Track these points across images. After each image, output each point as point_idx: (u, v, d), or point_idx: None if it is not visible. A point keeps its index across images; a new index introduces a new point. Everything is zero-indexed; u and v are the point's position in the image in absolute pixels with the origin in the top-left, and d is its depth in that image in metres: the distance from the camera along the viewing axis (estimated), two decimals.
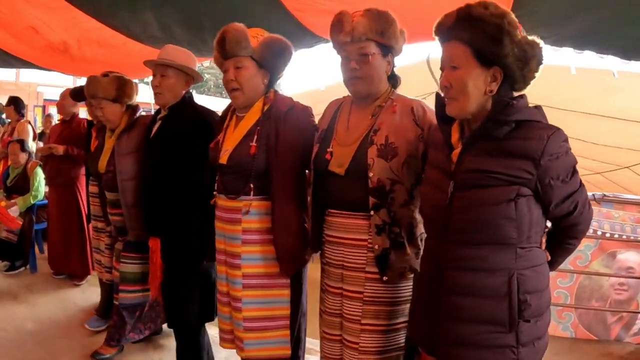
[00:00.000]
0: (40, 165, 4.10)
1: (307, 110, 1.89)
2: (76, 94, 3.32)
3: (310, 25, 3.31)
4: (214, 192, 1.92)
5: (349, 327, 1.64)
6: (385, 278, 1.59)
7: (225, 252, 1.86)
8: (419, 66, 4.77)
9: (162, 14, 3.28)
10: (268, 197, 1.80)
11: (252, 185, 1.79)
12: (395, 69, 1.71)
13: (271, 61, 1.85)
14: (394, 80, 1.72)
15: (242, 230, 1.80)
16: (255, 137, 1.80)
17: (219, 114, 2.09)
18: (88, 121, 3.24)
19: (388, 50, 1.64)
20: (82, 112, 3.91)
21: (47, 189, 4.11)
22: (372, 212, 1.57)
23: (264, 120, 1.82)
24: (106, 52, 3.96)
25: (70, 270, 3.90)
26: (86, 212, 3.89)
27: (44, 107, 8.96)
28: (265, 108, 1.85)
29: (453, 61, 1.27)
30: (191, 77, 2.33)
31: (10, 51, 4.04)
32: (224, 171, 1.84)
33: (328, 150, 1.68)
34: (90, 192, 3.12)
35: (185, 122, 2.20)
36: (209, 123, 2.13)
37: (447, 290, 1.28)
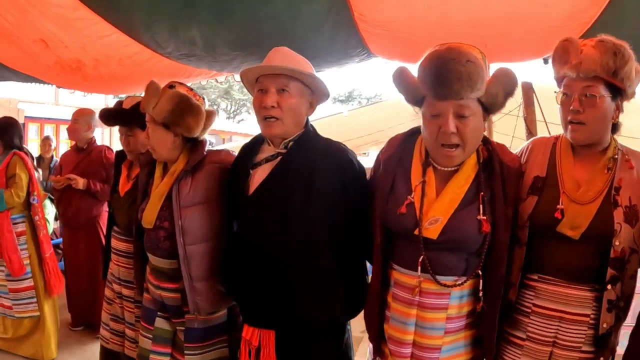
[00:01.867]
0: (50, 199, 3.49)
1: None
2: (111, 117, 2.41)
3: (376, 48, 3.10)
4: (394, 265, 1.51)
5: None
6: (602, 359, 1.41)
7: (414, 344, 1.47)
8: None
9: (211, 31, 2.82)
10: (477, 274, 1.44)
11: (468, 264, 1.44)
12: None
13: (503, 103, 1.42)
14: (615, 126, 1.47)
15: (447, 317, 1.44)
16: (481, 205, 1.41)
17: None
18: (117, 152, 2.59)
19: (618, 92, 1.39)
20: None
21: (55, 224, 3.53)
22: (608, 286, 1.36)
23: (484, 178, 1.44)
24: (126, 71, 3.42)
25: (98, 320, 3.36)
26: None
27: (23, 125, 7.96)
28: (481, 160, 1.46)
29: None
30: (316, 97, 1.65)
31: (9, 64, 3.39)
32: (429, 246, 1.41)
33: (558, 207, 1.40)
34: (114, 249, 2.41)
35: (329, 164, 1.58)
36: (363, 170, 1.65)
37: None
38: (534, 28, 2.72)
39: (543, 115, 3.76)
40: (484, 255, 1.41)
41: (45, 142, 5.27)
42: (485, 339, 1.47)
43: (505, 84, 1.37)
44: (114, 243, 2.42)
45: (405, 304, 1.45)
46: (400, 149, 1.54)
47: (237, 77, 3.46)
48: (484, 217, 1.39)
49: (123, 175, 2.43)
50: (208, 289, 1.82)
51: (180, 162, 1.90)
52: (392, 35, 2.93)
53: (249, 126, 17.45)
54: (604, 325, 1.37)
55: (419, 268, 1.40)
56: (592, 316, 1.39)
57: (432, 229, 1.40)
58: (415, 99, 1.44)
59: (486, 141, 1.49)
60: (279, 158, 1.62)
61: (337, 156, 1.61)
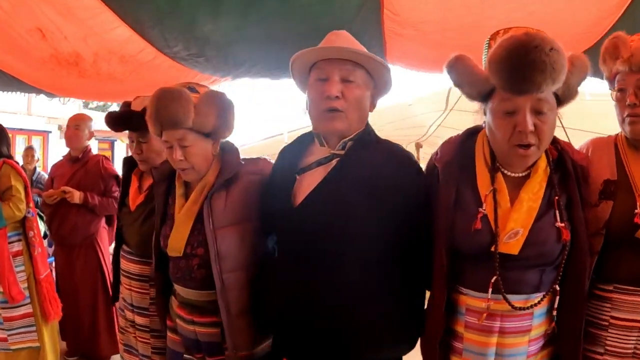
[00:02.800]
0: (40, 216, 3.10)
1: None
2: (119, 121, 2.05)
3: (397, 53, 2.99)
4: (462, 289, 1.31)
5: None
6: None
7: None
8: None
9: (231, 25, 2.58)
10: (555, 289, 1.28)
11: (542, 279, 1.27)
12: None
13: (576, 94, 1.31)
14: None
15: (529, 340, 1.28)
16: (557, 211, 1.25)
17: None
18: (126, 159, 2.21)
19: None
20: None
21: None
22: None
23: (557, 181, 1.29)
24: (126, 70, 3.11)
25: (97, 351, 2.98)
26: (110, 274, 3.04)
27: None
28: (551, 160, 1.31)
29: None
30: (376, 91, 1.44)
31: None
32: (505, 264, 1.23)
33: (636, 212, 1.30)
34: (124, 271, 2.07)
35: (394, 170, 1.35)
36: (423, 172, 1.44)
37: None
38: (562, 34, 2.65)
39: (560, 120, 3.69)
40: (562, 268, 1.26)
41: (28, 152, 4.82)
42: (569, 357, 1.31)
43: (582, 73, 1.24)
44: (124, 265, 2.08)
45: (484, 333, 1.26)
46: (459, 153, 1.35)
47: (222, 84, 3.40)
48: (562, 224, 1.24)
49: (133, 186, 2.09)
50: (250, 323, 1.55)
51: (211, 174, 1.60)
52: (422, 36, 2.80)
53: None
54: None
55: (490, 290, 1.22)
56: None
57: (512, 244, 1.22)
58: (482, 93, 1.25)
59: (553, 139, 1.32)
60: (334, 161, 1.38)
61: (402, 162, 1.40)
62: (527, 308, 1.23)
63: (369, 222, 1.29)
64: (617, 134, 1.45)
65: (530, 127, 1.17)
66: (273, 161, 1.62)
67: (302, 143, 1.49)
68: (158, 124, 1.51)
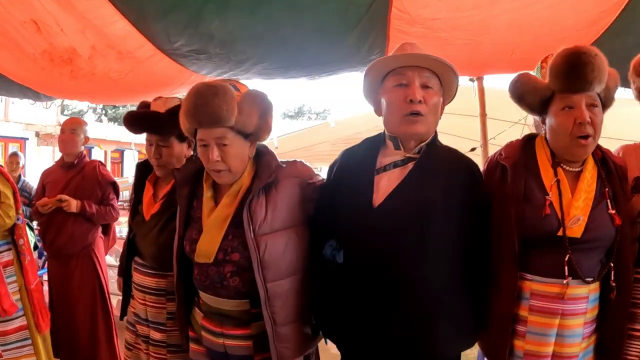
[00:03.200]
0: (29, 227, 2.90)
1: None
2: (142, 122, 1.87)
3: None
4: (527, 276, 1.43)
5: None
6: None
7: (553, 356, 1.40)
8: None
9: (238, 21, 2.52)
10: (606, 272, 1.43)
11: (600, 263, 1.43)
12: None
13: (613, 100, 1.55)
14: None
15: (584, 322, 1.41)
16: (608, 201, 1.43)
17: None
18: (139, 164, 2.04)
19: None
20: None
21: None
22: None
23: (605, 175, 1.47)
24: (123, 69, 2.99)
25: None
26: (108, 285, 2.90)
27: None
28: (598, 161, 1.50)
29: None
30: (444, 98, 1.51)
31: None
32: (572, 247, 1.38)
33: None
34: (137, 285, 1.91)
35: (463, 172, 1.45)
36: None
37: None
38: (561, 36, 2.68)
39: None
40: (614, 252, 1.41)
41: (13, 159, 4.52)
42: (615, 337, 1.44)
43: (616, 81, 1.47)
44: (137, 278, 1.93)
45: (548, 315, 1.39)
46: (523, 153, 1.52)
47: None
48: (614, 211, 1.41)
49: (148, 193, 1.93)
50: (296, 334, 1.50)
51: (246, 177, 1.52)
52: (429, 34, 2.76)
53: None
54: None
55: (566, 270, 1.36)
56: None
57: (575, 229, 1.39)
58: (543, 99, 1.46)
59: (597, 145, 1.52)
60: (410, 164, 1.43)
61: (468, 164, 1.49)
62: (590, 288, 1.39)
63: (445, 222, 1.36)
64: None
65: (587, 119, 1.37)
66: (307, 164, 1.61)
67: (370, 145, 1.52)
68: (195, 121, 1.42)
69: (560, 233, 1.37)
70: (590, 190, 1.43)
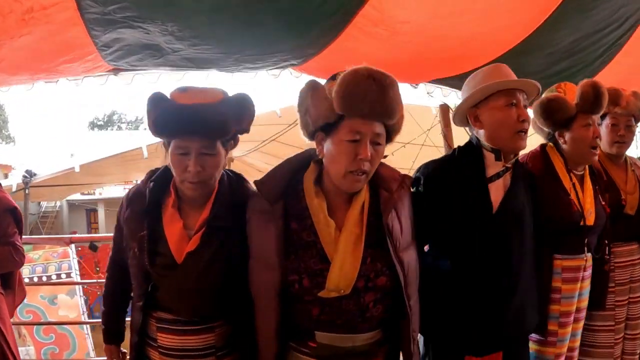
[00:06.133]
0: None
1: None
2: (197, 121, 1.37)
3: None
4: (557, 256, 1.89)
5: None
6: None
7: (576, 310, 1.92)
8: None
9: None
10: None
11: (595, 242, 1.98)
12: None
13: None
14: None
15: (587, 285, 1.96)
16: (600, 196, 2.01)
17: None
18: (153, 187, 1.50)
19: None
20: None
21: None
22: None
23: (593, 176, 2.05)
24: (17, 33, 2.10)
25: None
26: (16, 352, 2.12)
27: None
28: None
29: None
30: None
31: None
32: (588, 232, 1.92)
33: (622, 198, 2.16)
34: (163, 348, 1.47)
35: (529, 177, 1.85)
36: None
37: None
38: (491, 41, 2.95)
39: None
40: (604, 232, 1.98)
41: None
42: (602, 285, 2.02)
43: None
44: (168, 340, 1.46)
45: (575, 282, 1.89)
46: (544, 162, 1.97)
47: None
48: (604, 203, 1.99)
49: (175, 225, 1.45)
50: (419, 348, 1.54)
51: (364, 189, 1.37)
52: (387, 37, 2.78)
53: None
54: None
55: (585, 249, 1.90)
56: None
57: (590, 219, 1.90)
58: (568, 117, 1.92)
59: None
60: (507, 173, 1.66)
61: (528, 171, 1.87)
62: (596, 260, 1.93)
63: (529, 223, 1.69)
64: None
65: (599, 135, 1.94)
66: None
67: (467, 156, 1.67)
68: (361, 108, 1.22)
69: (582, 223, 1.87)
70: (590, 188, 1.96)
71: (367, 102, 1.20)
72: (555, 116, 1.92)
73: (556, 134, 1.98)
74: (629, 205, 2.15)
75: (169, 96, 1.40)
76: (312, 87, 1.31)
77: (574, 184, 1.91)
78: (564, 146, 1.96)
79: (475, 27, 2.76)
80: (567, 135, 1.94)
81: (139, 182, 1.57)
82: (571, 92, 1.93)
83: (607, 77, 3.16)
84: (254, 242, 1.38)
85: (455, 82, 3.40)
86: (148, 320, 1.49)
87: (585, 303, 1.96)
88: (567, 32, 3.00)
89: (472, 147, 1.68)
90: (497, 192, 1.62)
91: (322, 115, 1.26)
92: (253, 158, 8.10)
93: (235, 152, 7.18)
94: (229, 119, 1.39)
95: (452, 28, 2.72)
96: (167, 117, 1.37)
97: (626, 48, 3.19)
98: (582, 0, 2.63)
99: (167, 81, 2.84)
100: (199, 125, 1.35)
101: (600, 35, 3.00)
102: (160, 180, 1.50)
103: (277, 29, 2.55)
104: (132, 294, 1.60)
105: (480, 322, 1.56)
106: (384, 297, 1.33)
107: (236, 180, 1.54)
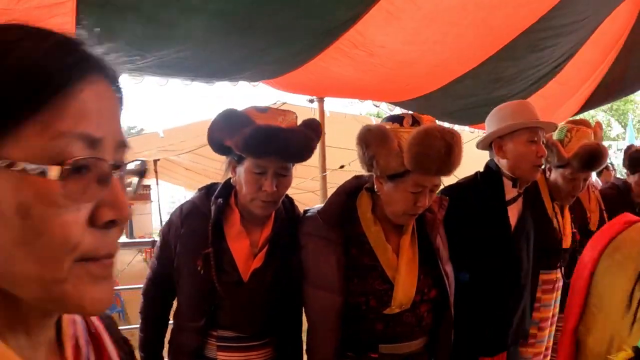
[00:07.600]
0: None
1: None
2: (291, 142, 1.38)
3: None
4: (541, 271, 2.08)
5: None
6: None
7: (552, 315, 2.21)
8: None
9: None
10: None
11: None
12: None
13: None
14: None
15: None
16: (573, 223, 2.34)
17: None
18: (218, 207, 1.48)
19: None
20: None
21: None
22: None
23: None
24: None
25: None
26: None
27: None
28: None
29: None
30: None
31: None
32: (563, 253, 2.20)
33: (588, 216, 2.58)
34: None
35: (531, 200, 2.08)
36: None
37: None
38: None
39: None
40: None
41: None
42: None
43: None
44: (227, 357, 1.45)
45: (551, 292, 2.18)
46: (536, 192, 2.19)
47: None
48: (575, 230, 2.30)
49: (243, 242, 1.45)
50: None
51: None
52: (368, 59, 2.97)
53: None
54: None
55: (559, 265, 2.18)
56: None
57: (567, 241, 2.21)
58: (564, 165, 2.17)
59: None
60: (519, 199, 1.88)
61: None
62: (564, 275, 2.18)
63: (532, 239, 1.94)
64: None
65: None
66: None
67: (489, 183, 1.85)
68: (432, 169, 1.33)
69: (561, 246, 2.16)
70: (568, 216, 2.25)
71: (435, 163, 1.29)
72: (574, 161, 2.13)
73: (555, 168, 2.18)
74: (592, 222, 2.46)
75: (247, 114, 1.39)
76: (382, 137, 1.35)
77: (555, 214, 2.16)
78: (561, 182, 2.17)
79: (440, 55, 3.02)
80: (563, 174, 2.14)
81: (188, 198, 1.57)
82: (577, 140, 2.11)
83: (537, 101, 3.61)
84: (312, 268, 1.43)
85: (409, 103, 3.67)
86: (206, 341, 1.47)
87: (557, 309, 2.21)
88: (511, 63, 3.40)
89: (492, 172, 1.84)
90: (513, 214, 1.83)
91: (391, 167, 1.34)
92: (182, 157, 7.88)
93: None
94: (315, 145, 1.43)
95: (422, 55, 2.94)
96: (260, 137, 1.33)
97: (558, 78, 3.66)
98: (534, 41, 2.99)
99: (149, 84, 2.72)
100: (293, 149, 1.37)
101: (539, 68, 3.43)
102: (223, 197, 1.49)
103: (269, 43, 2.56)
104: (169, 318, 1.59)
105: (493, 327, 1.77)
106: (434, 307, 1.49)
107: (287, 199, 1.58)
